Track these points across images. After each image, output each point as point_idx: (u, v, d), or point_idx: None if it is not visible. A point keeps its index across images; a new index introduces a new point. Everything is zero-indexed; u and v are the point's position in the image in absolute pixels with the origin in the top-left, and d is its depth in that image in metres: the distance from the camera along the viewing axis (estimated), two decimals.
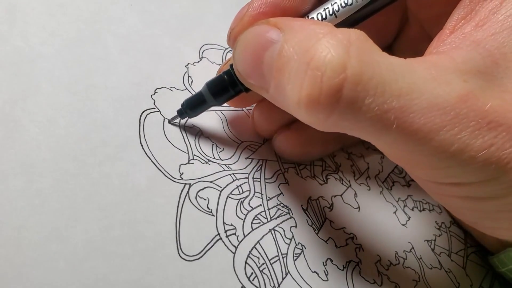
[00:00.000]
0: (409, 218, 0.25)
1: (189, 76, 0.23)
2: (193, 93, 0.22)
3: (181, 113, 0.20)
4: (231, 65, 0.19)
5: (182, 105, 0.20)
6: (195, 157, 0.20)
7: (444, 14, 0.18)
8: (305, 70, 0.15)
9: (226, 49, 0.26)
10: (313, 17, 0.18)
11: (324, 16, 0.18)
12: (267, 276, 0.18)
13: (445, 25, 0.17)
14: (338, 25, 0.17)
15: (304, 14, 0.18)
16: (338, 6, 0.18)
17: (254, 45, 0.17)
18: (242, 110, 0.23)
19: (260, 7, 0.18)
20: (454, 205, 0.20)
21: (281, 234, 0.19)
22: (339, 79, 0.14)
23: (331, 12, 0.18)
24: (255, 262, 0.18)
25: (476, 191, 0.17)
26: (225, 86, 0.19)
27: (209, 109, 0.21)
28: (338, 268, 0.20)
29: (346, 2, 0.17)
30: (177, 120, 0.21)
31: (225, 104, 0.23)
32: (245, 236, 0.18)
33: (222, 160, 0.20)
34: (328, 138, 0.23)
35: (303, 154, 0.23)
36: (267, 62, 0.16)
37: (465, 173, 0.16)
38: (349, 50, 0.15)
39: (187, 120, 0.21)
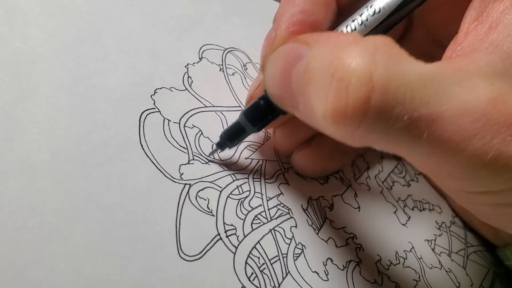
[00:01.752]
0: (409, 218, 0.25)
1: (189, 77, 0.23)
2: (193, 94, 0.22)
3: (221, 145, 0.20)
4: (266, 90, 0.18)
5: (221, 137, 0.20)
6: (195, 158, 0.20)
7: (450, 17, 0.18)
8: (330, 82, 0.14)
9: (226, 49, 0.26)
10: (342, 30, 0.17)
11: (353, 28, 0.17)
12: (268, 276, 0.18)
13: (460, 28, 0.17)
14: (367, 35, 0.17)
15: (333, 27, 0.18)
16: (366, 16, 0.17)
17: (283, 64, 0.16)
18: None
19: (289, 28, 0.18)
20: (484, 212, 0.19)
21: (281, 234, 0.19)
22: (366, 89, 0.13)
23: (360, 22, 0.17)
24: (255, 262, 0.18)
25: (508, 198, 0.17)
26: (262, 112, 0.18)
27: (209, 110, 0.21)
28: (339, 268, 0.20)
29: (374, 10, 0.17)
30: (216, 154, 0.20)
31: (225, 104, 0.23)
32: (245, 236, 0.18)
33: (222, 160, 0.20)
34: (346, 150, 0.23)
35: (322, 170, 0.23)
36: (296, 79, 0.16)
37: (498, 181, 0.16)
38: (375, 57, 0.14)
39: (187, 120, 0.21)
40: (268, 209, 0.20)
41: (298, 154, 0.22)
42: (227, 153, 0.21)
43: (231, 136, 0.20)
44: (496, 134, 0.15)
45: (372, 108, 0.14)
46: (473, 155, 0.15)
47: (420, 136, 0.14)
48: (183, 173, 0.19)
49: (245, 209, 0.19)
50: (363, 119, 0.14)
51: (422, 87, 0.14)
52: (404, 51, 0.15)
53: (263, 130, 0.23)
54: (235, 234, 0.18)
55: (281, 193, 0.21)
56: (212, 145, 0.20)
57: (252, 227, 0.19)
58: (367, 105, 0.14)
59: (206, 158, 0.20)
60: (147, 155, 0.19)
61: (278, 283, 0.18)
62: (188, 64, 0.23)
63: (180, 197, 0.18)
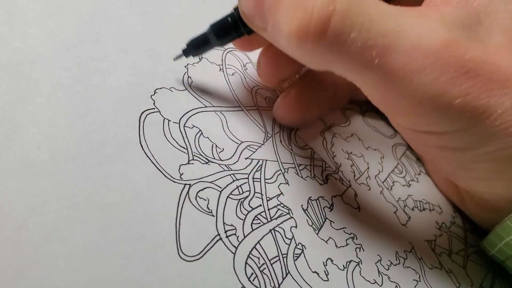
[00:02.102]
0: (409, 218, 0.25)
1: (188, 77, 0.23)
2: (193, 94, 0.22)
3: (186, 52, 0.22)
4: (235, 8, 0.20)
5: (187, 44, 0.22)
6: (195, 158, 0.20)
7: None
8: (298, 3, 0.16)
9: (226, 49, 0.26)
10: None
11: None
12: (267, 276, 0.18)
13: None
14: None
15: None
16: None
17: None
18: (242, 110, 0.23)
19: None
20: (432, 155, 0.20)
21: (281, 234, 0.19)
22: (328, 11, 0.15)
23: None
24: (255, 262, 0.18)
25: (452, 141, 0.18)
26: (229, 28, 0.20)
27: (208, 110, 0.21)
28: (339, 268, 0.20)
29: None
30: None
31: (225, 104, 0.23)
32: (245, 237, 0.18)
33: (222, 160, 0.20)
34: (323, 100, 0.25)
35: (301, 119, 0.24)
36: (268, 1, 0.17)
37: (441, 120, 0.17)
38: None
39: (187, 120, 0.21)
40: (268, 209, 0.20)
41: (278, 104, 0.24)
42: (227, 154, 0.21)
43: (197, 45, 0.21)
44: (443, 73, 0.16)
45: (331, 29, 0.16)
46: (420, 87, 0.16)
47: (371, 63, 0.16)
48: (183, 173, 0.19)
49: (245, 209, 0.19)
50: (323, 38, 0.16)
51: (381, 20, 0.16)
52: None
53: (263, 130, 0.23)
54: (235, 234, 0.18)
55: (281, 193, 0.21)
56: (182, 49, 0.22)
57: (252, 227, 0.19)
58: (327, 26, 0.16)
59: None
60: (147, 155, 0.18)
61: (278, 283, 0.18)
62: (188, 64, 0.23)
63: (180, 197, 0.18)
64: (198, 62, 0.24)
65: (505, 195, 0.20)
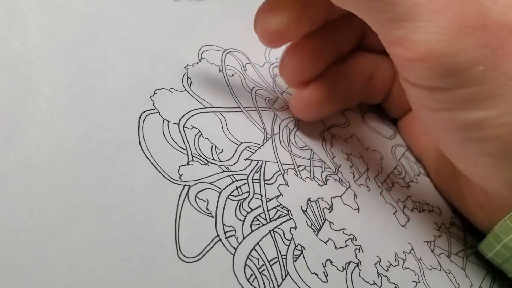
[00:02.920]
0: (408, 219, 0.25)
1: (188, 77, 0.23)
2: (192, 94, 0.22)
3: None
4: None
5: None
6: (195, 159, 0.20)
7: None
8: None
9: (225, 50, 0.26)
10: None
11: None
12: (267, 277, 0.18)
13: None
14: None
15: None
16: None
17: None
18: (242, 111, 0.23)
19: None
20: (439, 123, 0.20)
21: (280, 236, 0.19)
22: None
23: None
24: (254, 264, 0.18)
25: (459, 98, 0.18)
26: None
27: (208, 111, 0.21)
28: (338, 269, 0.20)
29: None
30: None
31: (224, 105, 0.23)
32: (244, 238, 0.18)
33: (222, 161, 0.20)
34: (337, 98, 0.25)
35: (318, 114, 0.25)
36: None
37: (445, 72, 0.17)
38: None
39: (187, 121, 0.21)
40: (268, 211, 0.20)
41: (294, 98, 0.25)
42: (226, 154, 0.21)
43: None
44: (462, 17, 0.17)
45: None
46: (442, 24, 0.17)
47: None
48: (182, 174, 0.19)
49: (245, 210, 0.19)
50: None
51: None
52: None
53: (263, 131, 0.23)
54: (234, 235, 0.18)
55: (281, 194, 0.21)
56: None
57: (251, 229, 0.19)
58: None
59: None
60: (146, 156, 0.18)
61: (277, 284, 0.18)
62: (187, 65, 0.23)
63: (179, 198, 0.18)
64: (197, 63, 0.24)
65: (501, 184, 0.20)
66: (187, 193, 0.18)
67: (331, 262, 0.20)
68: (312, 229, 0.21)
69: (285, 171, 0.22)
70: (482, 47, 0.17)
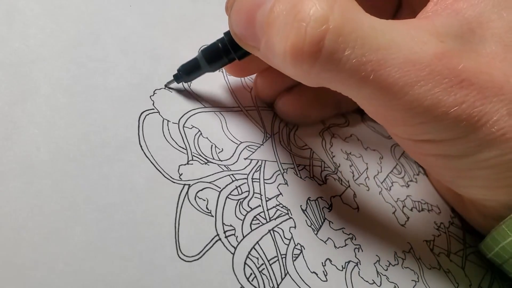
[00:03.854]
0: (408, 218, 0.25)
1: None
2: (192, 94, 0.22)
3: (177, 77, 0.21)
4: (225, 33, 0.20)
5: (178, 70, 0.21)
6: (194, 158, 0.20)
7: None
8: (291, 22, 0.16)
9: None
10: None
11: None
12: (266, 276, 0.18)
13: None
14: None
15: None
16: None
17: (248, 6, 0.18)
18: (241, 110, 0.23)
19: None
20: (430, 164, 0.21)
21: (280, 235, 0.20)
22: (321, 30, 0.15)
23: None
24: (254, 263, 0.18)
25: (449, 149, 0.18)
26: (219, 54, 0.20)
27: (208, 110, 0.21)
28: (337, 268, 0.20)
29: None
30: (173, 85, 0.22)
31: (224, 105, 0.23)
32: (244, 237, 0.18)
33: (221, 160, 0.21)
34: (326, 102, 0.25)
35: (303, 117, 0.25)
36: (259, 20, 0.17)
37: (438, 129, 0.17)
38: (333, 5, 0.16)
39: (187, 120, 0.21)
40: (267, 210, 0.20)
41: (280, 100, 0.24)
42: (226, 154, 0.21)
43: (188, 71, 0.21)
44: (437, 83, 0.16)
45: (325, 47, 0.16)
46: (415, 99, 0.16)
47: (366, 78, 0.16)
48: (182, 173, 0.19)
49: (244, 209, 0.19)
50: (318, 57, 0.16)
51: (373, 36, 0.16)
52: (361, 8, 0.17)
53: (263, 130, 0.23)
54: (234, 234, 0.18)
55: (280, 193, 0.21)
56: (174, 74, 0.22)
57: (251, 228, 0.19)
58: (322, 44, 0.16)
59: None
60: (146, 156, 0.19)
61: (277, 283, 0.18)
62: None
63: (179, 198, 0.18)
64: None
65: (507, 202, 0.20)
66: (187, 193, 0.18)
67: (330, 261, 0.20)
68: (312, 228, 0.21)
69: (285, 170, 0.22)
70: (462, 103, 0.17)
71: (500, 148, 0.17)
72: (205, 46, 0.21)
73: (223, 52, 0.20)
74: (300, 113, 0.24)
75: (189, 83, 0.23)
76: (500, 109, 0.17)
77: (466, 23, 0.18)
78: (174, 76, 0.21)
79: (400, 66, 0.16)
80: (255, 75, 0.25)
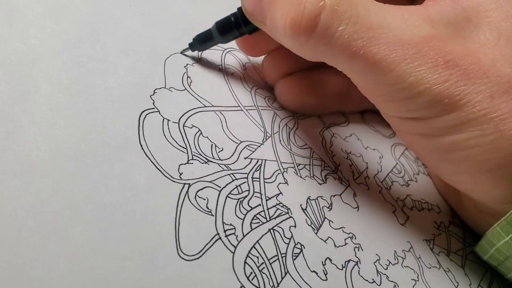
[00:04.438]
0: (408, 217, 0.25)
1: (188, 77, 0.23)
2: (192, 93, 0.22)
3: (192, 46, 0.23)
4: (238, 8, 0.22)
5: (194, 39, 0.23)
6: (195, 157, 0.20)
7: None
8: (292, 1, 0.18)
9: (225, 50, 0.26)
10: None
11: None
12: (266, 275, 0.18)
13: None
14: None
15: None
16: None
17: None
18: (241, 110, 0.24)
19: None
20: (416, 145, 0.22)
21: (280, 234, 0.20)
22: (318, 7, 0.17)
23: None
24: (254, 262, 0.18)
25: (431, 127, 0.19)
26: (231, 27, 0.22)
27: (208, 110, 0.21)
28: (337, 267, 0.20)
29: None
30: (188, 52, 0.24)
31: (224, 104, 0.23)
32: (244, 236, 0.19)
33: (222, 160, 0.21)
34: (325, 92, 0.26)
35: (300, 102, 0.25)
36: None
37: (421, 106, 0.18)
38: None
39: (187, 120, 0.21)
40: (267, 209, 0.20)
41: (279, 82, 0.25)
42: (226, 153, 0.21)
43: (202, 40, 0.23)
44: (424, 63, 0.18)
45: (321, 23, 0.17)
46: (400, 75, 0.18)
47: (357, 53, 0.18)
48: (182, 172, 0.19)
49: (244, 208, 0.19)
50: (313, 31, 0.18)
51: (367, 16, 0.17)
52: None
53: (263, 130, 0.23)
54: (234, 233, 0.18)
55: (280, 193, 0.21)
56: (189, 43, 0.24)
57: (251, 227, 0.19)
58: (318, 19, 0.17)
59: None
60: (147, 155, 0.19)
61: (277, 282, 0.18)
62: (187, 64, 0.23)
63: (179, 197, 0.18)
64: (197, 62, 0.24)
65: (494, 193, 0.20)
66: (187, 192, 0.18)
67: (330, 260, 0.20)
68: (312, 227, 0.21)
69: (285, 169, 0.22)
70: (444, 82, 0.18)
71: (482, 128, 0.18)
72: (218, 20, 0.23)
73: (235, 26, 0.22)
74: (297, 98, 0.25)
75: (189, 82, 0.23)
76: (483, 91, 0.18)
77: (461, 11, 0.19)
78: (189, 44, 0.23)
79: (389, 44, 0.17)
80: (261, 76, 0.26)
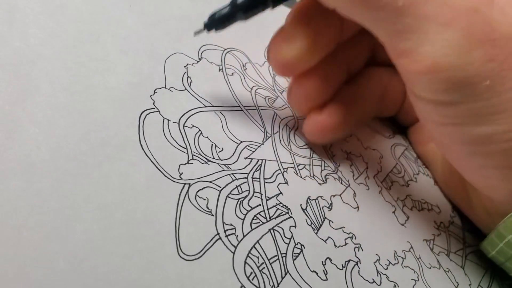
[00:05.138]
0: (408, 217, 0.25)
1: (188, 77, 0.23)
2: (192, 93, 0.22)
3: (209, 25, 0.21)
4: None
5: (210, 18, 0.21)
6: (195, 157, 0.20)
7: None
8: None
9: (225, 49, 0.26)
10: None
11: None
12: (267, 275, 0.18)
13: None
14: None
15: None
16: None
17: None
18: (241, 110, 0.24)
19: None
20: (446, 136, 0.20)
21: (280, 234, 0.20)
22: None
23: None
24: (254, 262, 0.18)
25: (468, 113, 0.18)
26: (253, 2, 0.20)
27: (208, 110, 0.21)
28: (337, 267, 0.20)
29: None
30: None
31: (224, 104, 0.23)
32: (244, 236, 0.19)
33: (222, 160, 0.21)
34: (352, 118, 0.25)
35: (331, 138, 0.24)
36: None
37: (460, 86, 0.17)
38: None
39: (187, 120, 0.21)
40: (267, 209, 0.20)
41: (309, 122, 0.24)
42: (226, 153, 0.21)
43: (220, 19, 0.21)
44: (470, 35, 0.17)
45: None
46: (445, 42, 0.17)
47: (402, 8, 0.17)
48: (182, 172, 0.19)
49: (245, 208, 0.19)
50: None
51: None
52: None
53: (263, 130, 0.23)
54: (234, 233, 0.18)
55: (280, 193, 0.21)
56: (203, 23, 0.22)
57: (251, 227, 0.19)
58: None
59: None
60: (147, 155, 0.19)
61: (277, 282, 0.18)
62: (187, 64, 0.23)
63: (179, 197, 0.18)
64: (197, 62, 0.24)
65: (507, 194, 0.20)
66: (187, 192, 0.18)
67: (330, 260, 0.20)
68: (312, 227, 0.21)
69: (285, 169, 0.22)
70: (490, 62, 0.17)
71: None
72: None
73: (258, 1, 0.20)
74: (331, 134, 0.24)
75: (189, 81, 0.23)
76: None
77: None
78: (205, 24, 0.21)
79: (437, 4, 0.16)
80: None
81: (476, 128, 0.18)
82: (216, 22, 0.21)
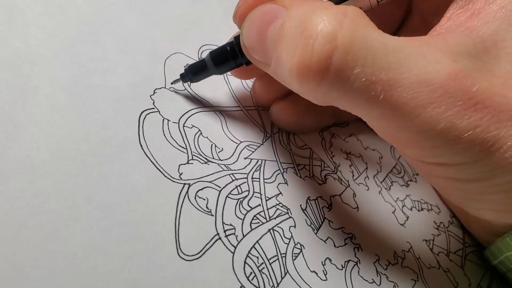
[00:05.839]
0: (407, 218, 0.25)
1: None
2: (192, 94, 0.22)
3: (183, 77, 0.21)
4: (235, 37, 0.20)
5: (185, 69, 0.21)
6: (194, 157, 0.20)
7: (444, 5, 0.18)
8: (299, 39, 0.15)
9: None
10: None
11: None
12: (266, 275, 0.18)
13: (444, 14, 0.18)
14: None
15: None
16: None
17: (260, 21, 0.17)
18: (241, 110, 0.24)
19: None
20: (441, 185, 0.20)
21: (280, 234, 0.20)
22: (329, 47, 0.15)
23: None
24: (254, 262, 0.18)
25: (461, 173, 0.18)
26: (227, 57, 0.20)
27: (208, 110, 0.21)
28: (337, 267, 0.20)
29: None
30: (178, 84, 0.22)
31: (224, 104, 0.23)
32: (244, 236, 0.19)
33: (221, 160, 0.21)
34: (322, 110, 0.24)
35: (298, 124, 0.24)
36: (270, 36, 0.17)
37: (450, 154, 0.17)
38: (342, 21, 0.15)
39: (187, 120, 0.21)
40: (267, 209, 0.20)
41: (275, 106, 0.24)
42: (226, 153, 0.21)
43: (195, 71, 0.21)
44: (451, 106, 0.16)
45: (333, 65, 0.15)
46: (427, 122, 0.16)
47: (376, 98, 0.15)
48: (182, 173, 0.19)
49: (244, 209, 0.19)
50: (325, 75, 0.15)
51: (384, 54, 0.15)
52: (373, 24, 0.16)
53: (262, 130, 0.23)
54: (234, 234, 0.18)
55: (280, 193, 0.21)
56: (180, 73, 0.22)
57: (251, 227, 0.19)
58: (329, 62, 0.15)
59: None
60: (147, 155, 0.19)
61: (277, 282, 0.18)
62: (187, 64, 0.23)
63: (179, 197, 0.18)
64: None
65: (504, 217, 0.20)
66: (187, 192, 0.18)
67: (330, 260, 0.20)
68: (312, 227, 0.21)
69: (285, 170, 0.22)
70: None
71: None
72: (214, 49, 0.21)
73: (232, 57, 0.20)
74: (294, 120, 0.24)
75: (189, 82, 0.23)
76: None
77: (480, 41, 0.17)
78: (180, 75, 0.21)
79: (412, 86, 0.15)
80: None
81: (470, 183, 0.18)
82: (190, 73, 0.21)
